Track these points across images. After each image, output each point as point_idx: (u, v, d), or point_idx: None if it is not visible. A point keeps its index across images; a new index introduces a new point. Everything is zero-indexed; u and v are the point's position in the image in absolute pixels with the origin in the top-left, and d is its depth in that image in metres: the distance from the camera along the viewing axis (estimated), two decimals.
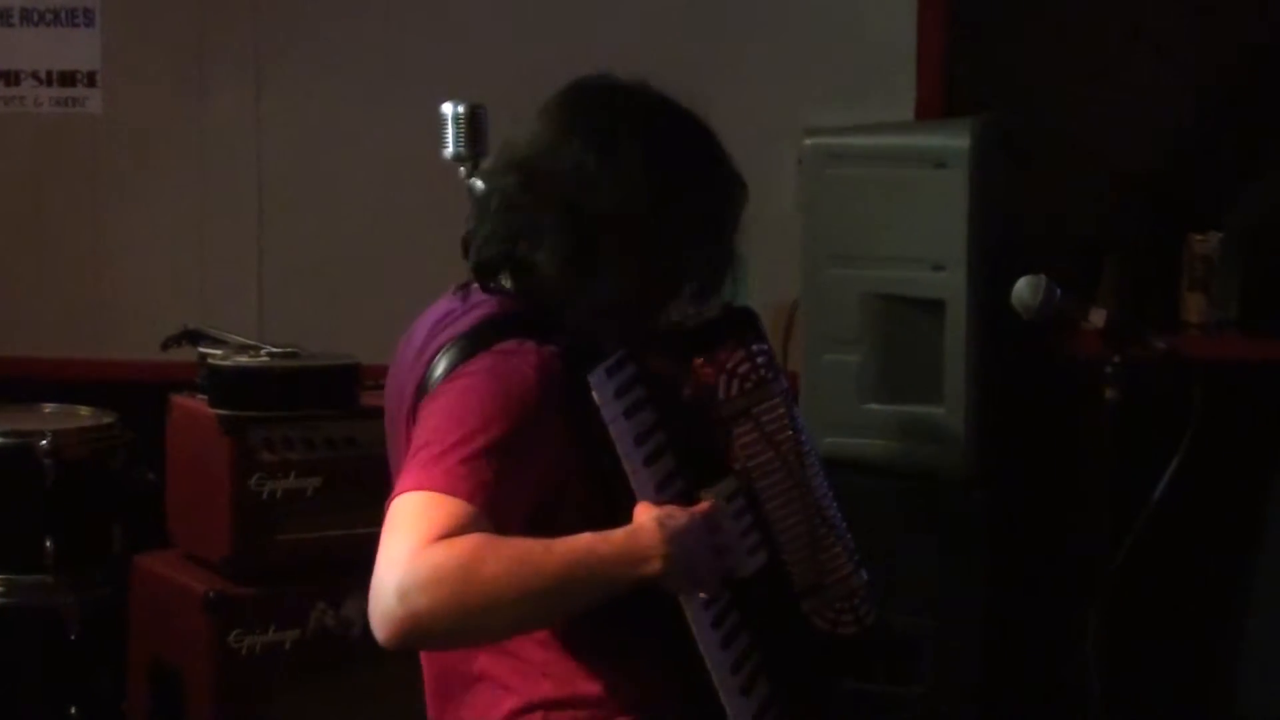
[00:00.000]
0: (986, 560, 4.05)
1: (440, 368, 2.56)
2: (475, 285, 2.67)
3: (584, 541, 2.41)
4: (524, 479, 2.45)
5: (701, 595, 2.56)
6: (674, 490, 2.57)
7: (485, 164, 2.72)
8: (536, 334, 2.54)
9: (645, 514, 2.48)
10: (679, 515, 2.48)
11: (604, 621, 2.57)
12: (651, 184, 2.58)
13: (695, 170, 2.65)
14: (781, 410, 2.75)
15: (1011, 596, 4.25)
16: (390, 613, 2.33)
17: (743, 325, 2.80)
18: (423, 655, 2.75)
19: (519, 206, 2.59)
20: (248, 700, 4.03)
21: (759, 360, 2.75)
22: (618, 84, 2.67)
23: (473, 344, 2.56)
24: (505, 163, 2.64)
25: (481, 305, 2.64)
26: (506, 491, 2.41)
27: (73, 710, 4.33)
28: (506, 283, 2.64)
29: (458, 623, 2.34)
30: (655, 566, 2.43)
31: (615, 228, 2.56)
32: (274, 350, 4.21)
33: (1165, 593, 4.42)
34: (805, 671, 2.75)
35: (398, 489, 2.42)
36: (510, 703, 2.64)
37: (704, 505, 2.55)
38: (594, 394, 2.50)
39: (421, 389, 2.58)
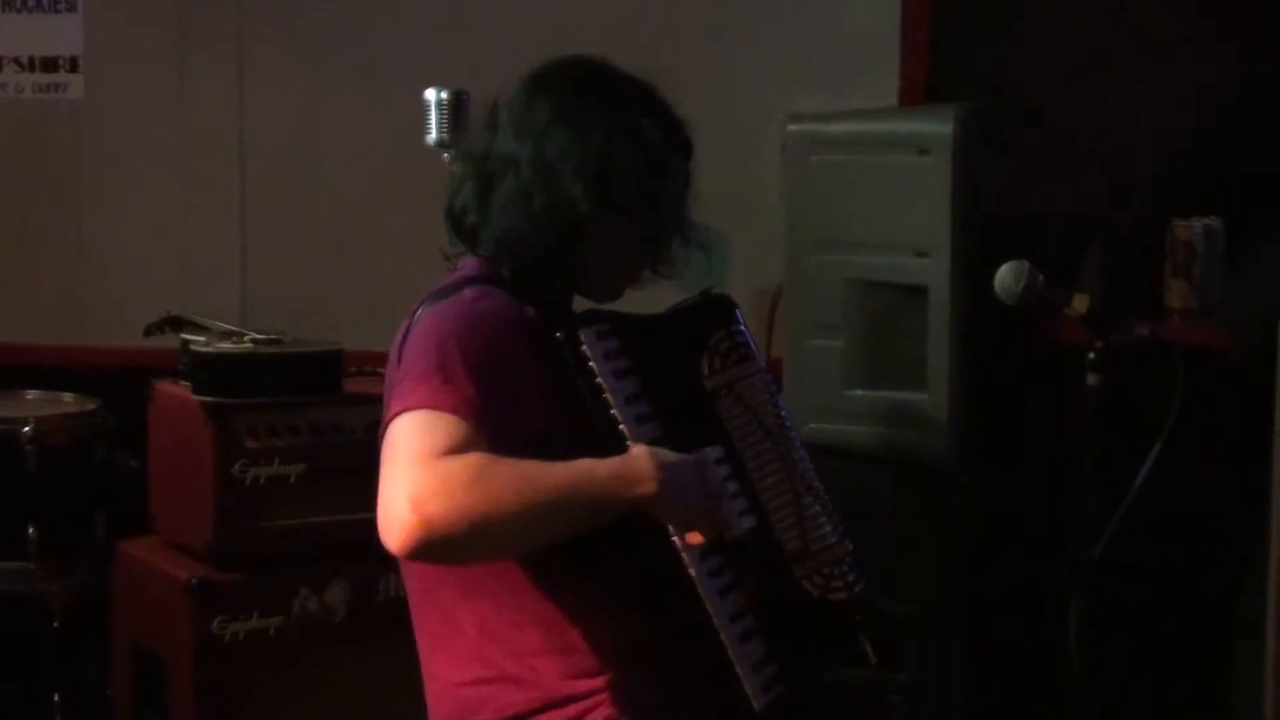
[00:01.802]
0: (970, 546, 4.05)
1: (417, 316, 2.68)
2: (460, 257, 2.81)
3: (581, 462, 2.50)
4: (503, 405, 2.53)
5: (698, 548, 2.61)
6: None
7: (463, 146, 2.85)
8: (520, 295, 2.68)
9: (638, 446, 2.58)
10: (669, 453, 2.58)
11: (595, 571, 2.63)
12: (636, 153, 2.73)
13: (666, 139, 2.78)
14: (760, 386, 2.84)
15: (995, 582, 4.26)
16: (403, 520, 2.38)
17: (721, 308, 2.90)
18: (414, 612, 2.80)
19: (500, 180, 2.74)
20: (231, 686, 4.03)
21: (738, 339, 2.85)
22: (589, 61, 2.83)
23: (446, 291, 2.69)
24: (483, 144, 2.80)
25: (463, 269, 2.77)
26: (491, 406, 2.49)
27: (56, 697, 4.33)
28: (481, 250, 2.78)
29: (468, 530, 2.39)
30: (649, 488, 2.51)
31: (592, 196, 2.70)
32: (257, 337, 4.20)
33: (1148, 577, 4.43)
34: (801, 633, 2.78)
35: (390, 414, 2.51)
36: (500, 650, 2.69)
37: (700, 455, 2.62)
38: (585, 349, 2.61)
39: (404, 341, 2.68)
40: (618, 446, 2.59)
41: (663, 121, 2.78)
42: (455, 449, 2.42)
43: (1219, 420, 4.18)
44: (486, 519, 2.39)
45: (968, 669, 4.07)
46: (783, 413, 2.87)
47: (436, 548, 2.42)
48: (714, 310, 2.88)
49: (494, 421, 2.49)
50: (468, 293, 2.66)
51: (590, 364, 2.62)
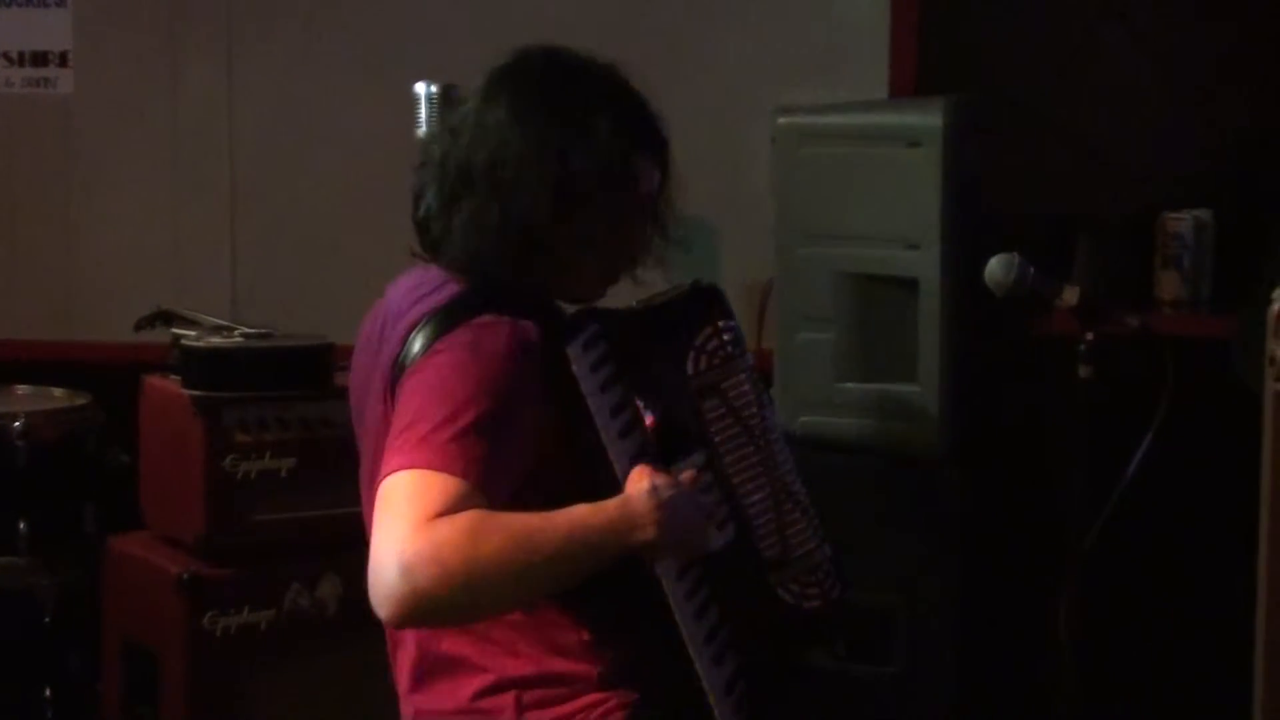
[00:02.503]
0: (961, 538, 4.05)
1: (418, 344, 2.58)
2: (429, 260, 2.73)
3: (578, 513, 2.44)
4: (512, 451, 2.47)
5: (675, 570, 2.58)
6: (646, 462, 2.59)
7: (424, 140, 2.79)
8: (510, 309, 2.57)
9: (637, 483, 2.52)
10: (668, 484, 2.52)
11: (574, 599, 2.59)
12: (615, 157, 2.64)
13: (648, 140, 2.71)
14: (747, 386, 2.80)
15: (986, 574, 4.26)
16: (394, 590, 2.32)
17: (709, 302, 2.85)
18: (391, 636, 2.76)
19: (479, 188, 2.65)
20: (222, 681, 4.03)
21: (725, 337, 2.79)
22: (559, 54, 2.74)
23: (449, 319, 2.58)
24: (454, 143, 2.70)
25: (451, 282, 2.67)
26: (497, 465, 2.43)
27: (47, 692, 4.32)
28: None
29: (461, 597, 2.35)
30: (648, 534, 2.47)
31: (578, 204, 2.62)
32: (247, 331, 4.20)
33: (1139, 569, 4.43)
34: (772, 643, 2.77)
35: (387, 468, 2.43)
36: (482, 681, 2.65)
37: (689, 475, 2.58)
38: (573, 366, 2.54)
39: (399, 364, 2.60)
40: (608, 468, 2.55)
41: (627, 119, 2.68)
42: (450, 508, 2.35)
43: (1209, 412, 4.18)
44: (480, 585, 2.34)
45: (957, 661, 4.07)
46: (766, 414, 2.83)
47: (427, 616, 2.40)
48: (702, 305, 2.82)
49: (498, 476, 2.43)
50: (473, 326, 2.55)
51: (579, 383, 2.55)
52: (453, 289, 2.66)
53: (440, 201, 2.68)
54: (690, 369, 2.75)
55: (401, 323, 2.64)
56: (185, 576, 4.01)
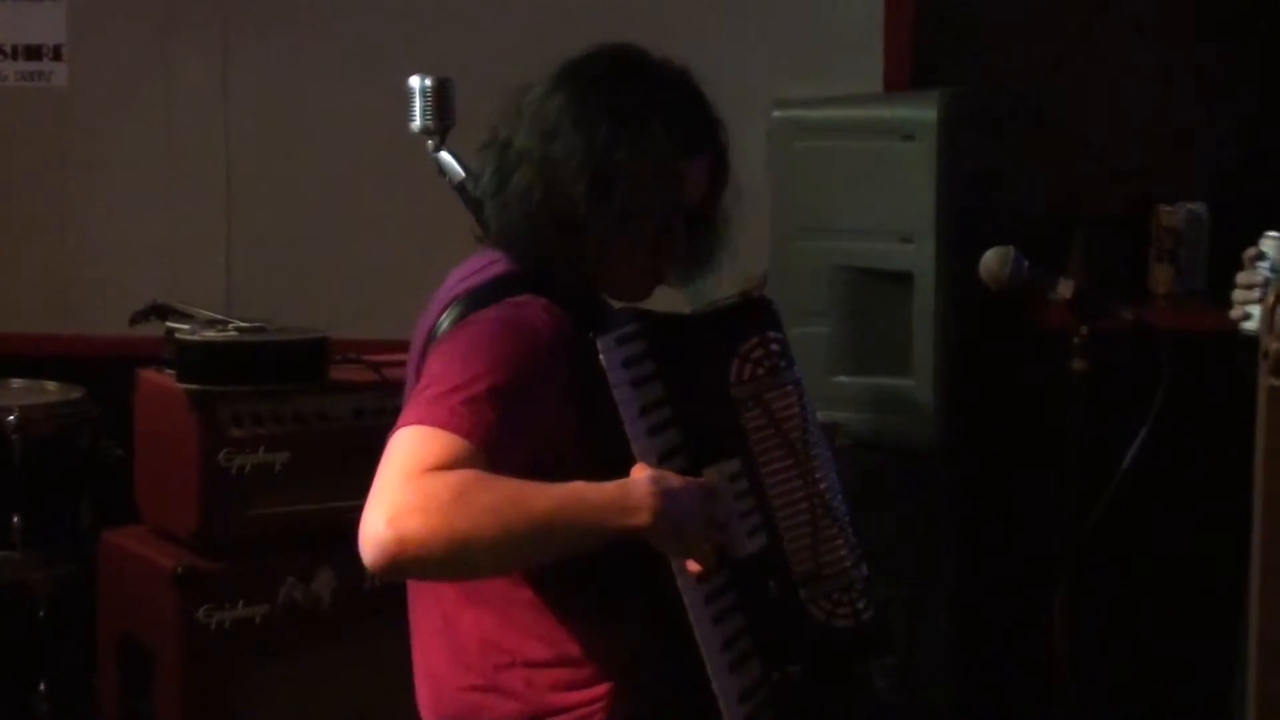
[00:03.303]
0: (956, 531, 4.06)
1: (451, 316, 2.63)
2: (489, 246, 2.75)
3: (574, 487, 2.45)
4: (524, 426, 2.49)
5: (694, 569, 2.57)
6: (676, 465, 2.61)
7: (493, 127, 2.78)
8: (550, 295, 2.61)
9: (640, 471, 2.53)
10: (673, 478, 2.53)
11: (596, 587, 2.61)
12: (667, 156, 2.67)
13: (706, 140, 2.76)
14: (793, 399, 2.78)
15: (980, 567, 4.26)
16: (378, 535, 2.34)
17: (759, 312, 2.83)
18: (413, 609, 2.78)
19: (535, 179, 2.67)
20: (217, 675, 4.03)
21: (773, 348, 2.78)
22: (627, 52, 2.78)
23: (485, 295, 2.64)
24: (516, 133, 2.72)
25: (497, 264, 2.71)
26: (505, 435, 2.45)
27: (41, 686, 4.32)
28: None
29: (443, 550, 2.35)
30: (642, 519, 2.47)
31: (631, 199, 2.65)
32: (242, 325, 4.19)
33: (1135, 561, 4.44)
34: (798, 658, 2.75)
35: (399, 423, 2.46)
36: (498, 659, 2.67)
37: (703, 479, 2.58)
38: (601, 357, 2.55)
39: (432, 335, 2.64)
40: (628, 465, 2.55)
41: (682, 123, 2.71)
42: (449, 464, 2.38)
43: (1204, 405, 4.18)
44: (464, 540, 2.35)
45: (955, 653, 4.08)
46: (810, 429, 2.80)
47: (410, 566, 2.40)
48: (751, 315, 2.81)
49: (505, 445, 2.44)
50: (508, 304, 2.60)
51: (608, 374, 2.56)
52: (499, 269, 2.70)
53: (494, 182, 2.71)
54: (733, 377, 2.74)
55: (444, 301, 2.68)
56: (180, 570, 4.00)
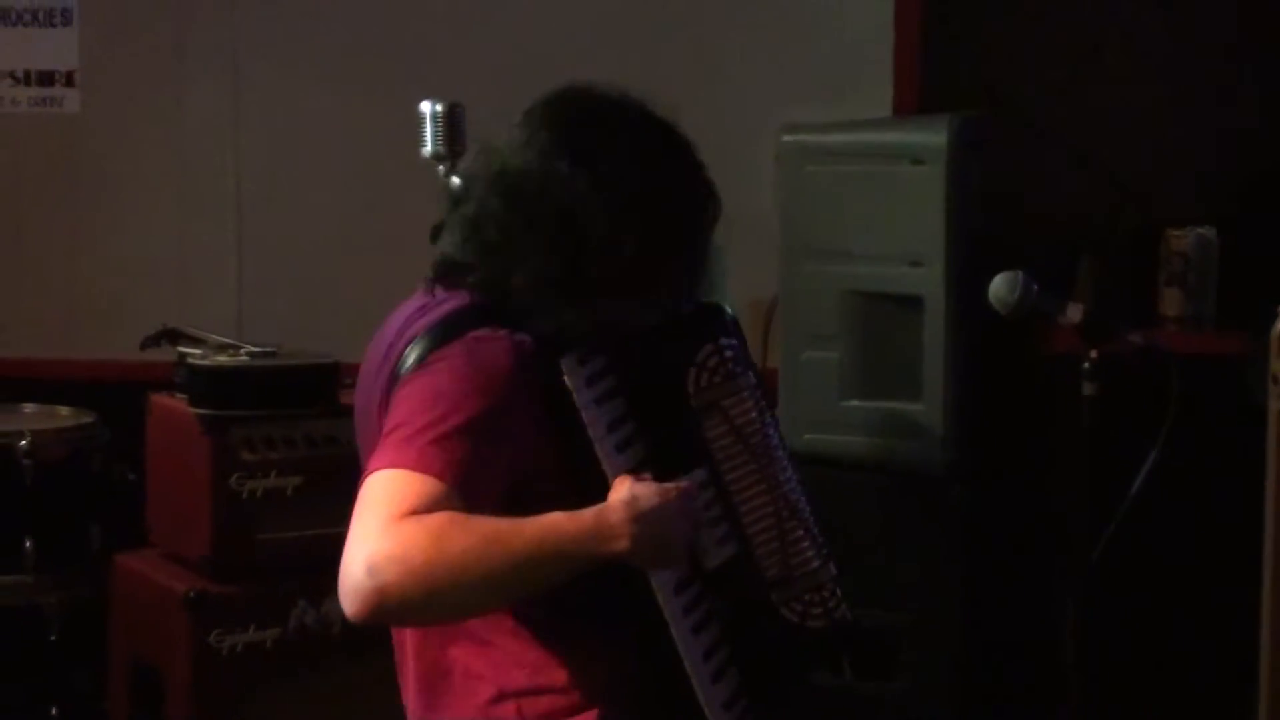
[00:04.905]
0: (966, 556, 4.05)
1: (412, 356, 2.59)
2: (437, 282, 2.69)
3: (552, 520, 2.42)
4: (496, 460, 2.47)
5: (671, 582, 2.58)
6: (643, 477, 2.58)
7: (464, 164, 2.71)
8: (508, 324, 2.56)
9: (617, 492, 2.50)
10: (650, 494, 2.50)
11: (576, 610, 2.60)
12: (639, 209, 2.58)
13: (679, 191, 2.65)
14: (749, 404, 2.78)
15: (991, 592, 4.26)
16: (358, 586, 2.33)
17: (711, 320, 2.83)
18: (399, 650, 2.77)
19: (500, 223, 2.59)
20: (228, 699, 4.03)
21: (727, 354, 2.78)
22: (603, 97, 2.67)
23: (445, 332, 2.59)
24: (487, 171, 2.64)
25: (452, 299, 2.66)
26: (478, 471, 2.43)
27: (53, 710, 4.33)
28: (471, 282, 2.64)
29: (425, 597, 2.34)
30: (622, 545, 2.46)
31: (601, 251, 2.56)
32: (253, 349, 4.20)
33: (1144, 586, 4.43)
34: (774, 662, 2.76)
35: (369, 468, 2.44)
36: (485, 693, 2.66)
37: (673, 485, 2.56)
38: (566, 378, 2.54)
39: (394, 377, 2.61)
40: (600, 484, 2.54)
41: (653, 173, 2.61)
42: (424, 508, 2.35)
43: (1213, 429, 4.18)
44: (444, 586, 2.33)
45: (963, 679, 4.08)
46: (770, 432, 2.81)
47: (392, 614, 2.39)
48: (704, 323, 2.81)
49: (479, 481, 2.42)
50: (469, 339, 2.54)
51: (572, 395, 2.55)
52: (452, 305, 2.66)
53: (464, 228, 2.64)
54: (691, 387, 2.75)
55: (399, 342, 2.65)
56: (191, 594, 4.01)
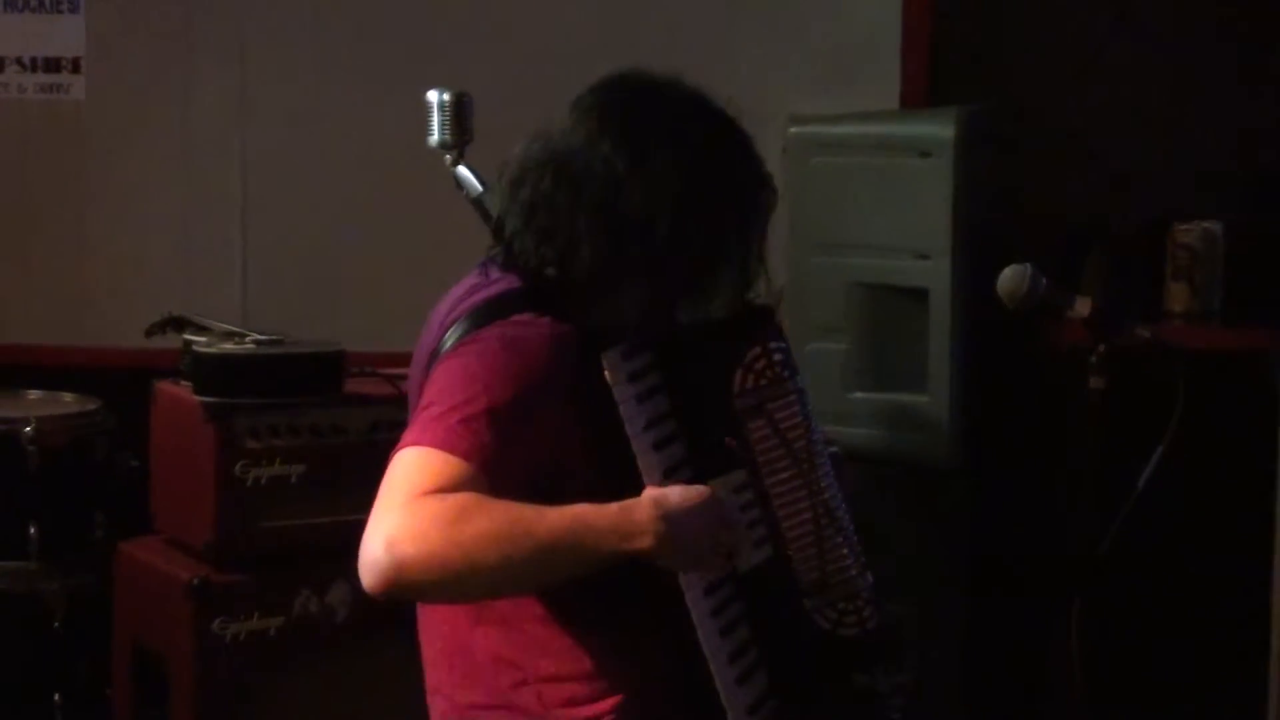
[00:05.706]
0: (971, 548, 4.06)
1: (453, 337, 2.60)
2: (495, 262, 2.69)
3: (576, 510, 2.43)
4: (524, 446, 2.47)
5: (701, 582, 2.57)
6: (681, 478, 2.59)
7: (517, 149, 2.69)
8: (554, 312, 2.57)
9: (647, 492, 2.51)
10: (678, 496, 2.50)
11: (606, 601, 2.60)
12: (682, 192, 2.58)
13: (727, 178, 2.65)
14: (796, 408, 2.76)
15: (996, 585, 4.26)
16: (376, 561, 2.34)
17: (762, 322, 2.81)
18: (423, 625, 2.77)
19: (551, 205, 2.60)
20: (231, 687, 4.03)
21: (776, 357, 2.76)
22: (653, 83, 2.68)
23: (488, 314, 2.60)
24: (539, 155, 2.64)
25: (501, 281, 2.67)
26: (505, 455, 2.43)
27: (56, 697, 4.32)
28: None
29: (441, 575, 2.35)
30: (645, 543, 2.45)
31: (643, 236, 2.57)
32: (258, 337, 4.20)
33: (1150, 580, 4.43)
34: (804, 668, 2.75)
35: (401, 444, 2.45)
36: (509, 677, 2.66)
37: (705, 489, 2.56)
38: (606, 373, 2.54)
39: (435, 354, 2.62)
40: (635, 481, 2.53)
41: (699, 165, 2.62)
42: (448, 487, 2.36)
43: (1221, 423, 4.18)
44: (462, 566, 2.34)
45: (967, 671, 4.08)
46: (815, 437, 2.78)
47: (408, 590, 2.40)
48: (753, 325, 2.78)
49: (506, 465, 2.42)
50: (511, 322, 2.55)
51: (613, 388, 2.54)
52: (500, 288, 2.66)
53: (533, 203, 2.62)
54: (736, 387, 2.74)
55: (450, 318, 2.66)
56: (195, 582, 4.01)
